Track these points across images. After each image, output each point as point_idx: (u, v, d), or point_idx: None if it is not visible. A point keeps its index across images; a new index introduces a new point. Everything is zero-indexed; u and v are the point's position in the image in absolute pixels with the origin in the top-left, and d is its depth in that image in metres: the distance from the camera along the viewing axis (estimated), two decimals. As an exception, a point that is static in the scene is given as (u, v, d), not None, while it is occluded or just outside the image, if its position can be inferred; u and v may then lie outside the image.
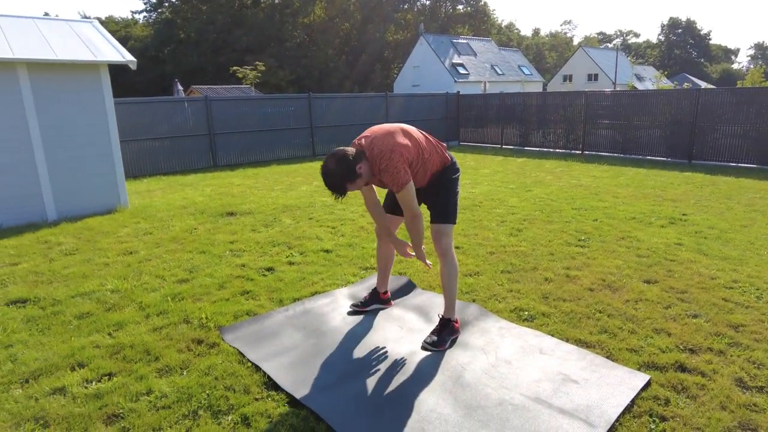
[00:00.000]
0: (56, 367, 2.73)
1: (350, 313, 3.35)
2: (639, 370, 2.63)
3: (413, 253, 3.01)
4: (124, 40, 43.15)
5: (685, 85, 15.79)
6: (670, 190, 7.77)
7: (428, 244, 4.35)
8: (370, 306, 3.38)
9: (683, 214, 6.07)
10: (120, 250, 4.95)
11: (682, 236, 5.11)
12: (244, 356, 2.82)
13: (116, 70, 6.71)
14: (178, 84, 24.70)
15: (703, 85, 42.66)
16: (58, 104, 6.30)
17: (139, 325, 3.23)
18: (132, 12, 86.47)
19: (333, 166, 2.57)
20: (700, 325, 3.13)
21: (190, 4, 44.18)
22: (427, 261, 3.02)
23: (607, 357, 2.77)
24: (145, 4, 46.95)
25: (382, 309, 3.41)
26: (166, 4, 45.94)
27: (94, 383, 2.58)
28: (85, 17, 51.90)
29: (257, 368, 2.69)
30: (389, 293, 3.47)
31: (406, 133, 2.76)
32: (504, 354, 2.80)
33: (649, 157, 12.11)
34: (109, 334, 3.12)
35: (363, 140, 2.72)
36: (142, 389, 2.51)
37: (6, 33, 6.21)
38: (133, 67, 6.65)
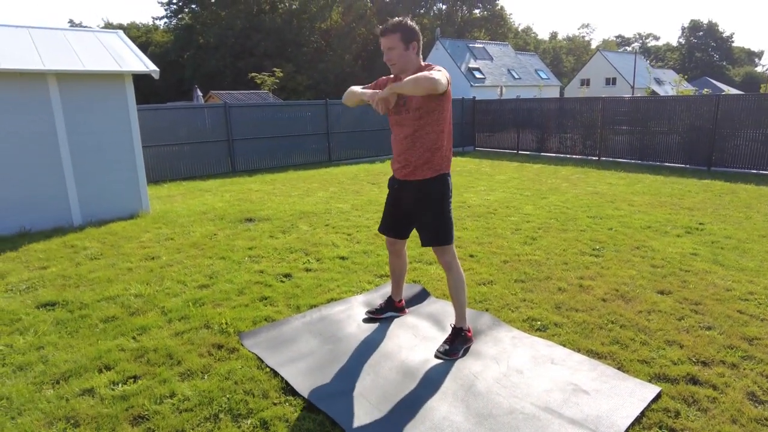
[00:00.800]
0: (85, 368, 2.86)
1: (365, 321, 3.43)
2: (650, 381, 2.65)
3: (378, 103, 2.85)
4: (145, 46, 44.14)
5: (705, 91, 15.56)
6: (688, 198, 7.71)
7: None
8: (384, 314, 3.46)
9: (700, 223, 6.03)
10: (143, 255, 5.11)
11: (698, 246, 5.08)
12: (262, 361, 2.91)
13: (138, 75, 6.93)
14: (198, 90, 25.14)
15: (725, 88, 41.86)
16: (84, 112, 6.53)
17: (162, 330, 3.36)
18: (153, 18, 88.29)
19: (408, 19, 2.86)
20: (714, 337, 3.14)
21: (210, 9, 44.99)
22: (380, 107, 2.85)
23: (619, 368, 2.80)
24: (165, 10, 47.90)
25: (397, 317, 3.48)
26: (186, 10, 46.85)
27: (120, 385, 2.70)
28: (108, 24, 53.25)
29: (275, 373, 2.79)
30: (404, 301, 3.55)
31: None
32: (516, 363, 2.85)
33: (667, 164, 11.98)
34: (134, 338, 3.25)
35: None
36: (165, 392, 2.62)
37: (38, 45, 6.47)
38: (156, 76, 6.85)
